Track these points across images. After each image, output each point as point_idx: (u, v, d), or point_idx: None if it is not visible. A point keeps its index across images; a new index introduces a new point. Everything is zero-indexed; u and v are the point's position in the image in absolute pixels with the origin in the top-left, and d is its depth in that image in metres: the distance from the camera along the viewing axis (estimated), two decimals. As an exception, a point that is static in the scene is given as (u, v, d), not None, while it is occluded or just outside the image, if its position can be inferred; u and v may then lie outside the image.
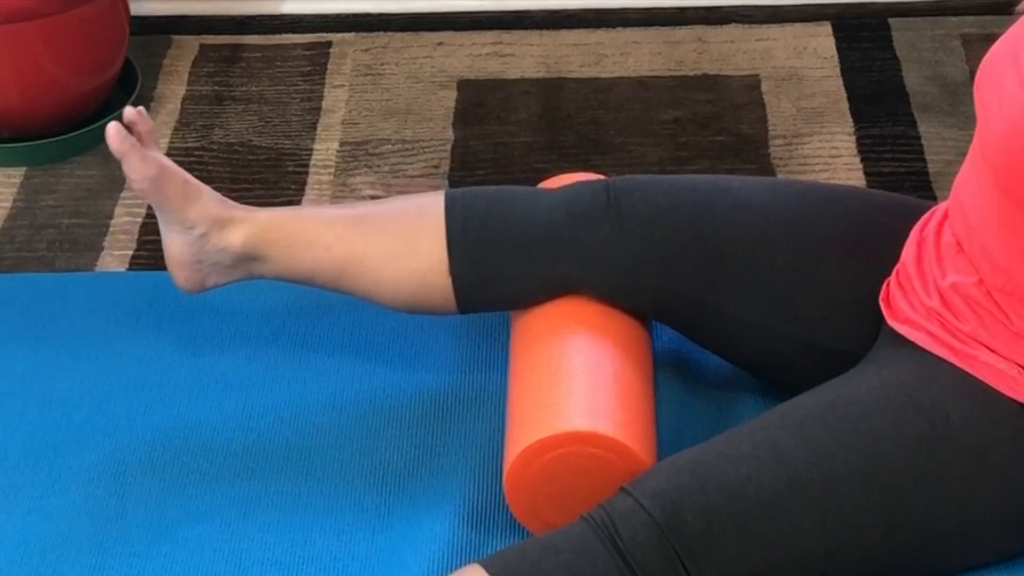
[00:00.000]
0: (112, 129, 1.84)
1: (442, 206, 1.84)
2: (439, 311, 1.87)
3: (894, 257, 1.74)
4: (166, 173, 1.86)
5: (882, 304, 1.72)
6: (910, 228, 1.74)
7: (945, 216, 1.70)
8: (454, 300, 1.84)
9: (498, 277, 1.83)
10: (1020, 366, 1.59)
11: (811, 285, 1.77)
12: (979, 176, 1.60)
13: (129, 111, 1.89)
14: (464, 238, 1.82)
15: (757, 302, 1.78)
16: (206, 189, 1.90)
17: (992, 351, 1.60)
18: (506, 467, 1.70)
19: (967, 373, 1.60)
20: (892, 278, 1.73)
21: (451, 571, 1.57)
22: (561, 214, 1.82)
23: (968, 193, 1.62)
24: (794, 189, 1.86)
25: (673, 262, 1.79)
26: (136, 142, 1.85)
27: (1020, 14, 1.63)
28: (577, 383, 1.74)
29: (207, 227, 1.87)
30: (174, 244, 1.90)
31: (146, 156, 1.85)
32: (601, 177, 1.96)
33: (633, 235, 1.80)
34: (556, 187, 1.88)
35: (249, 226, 1.87)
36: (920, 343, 1.65)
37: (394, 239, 1.84)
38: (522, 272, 1.82)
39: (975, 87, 1.60)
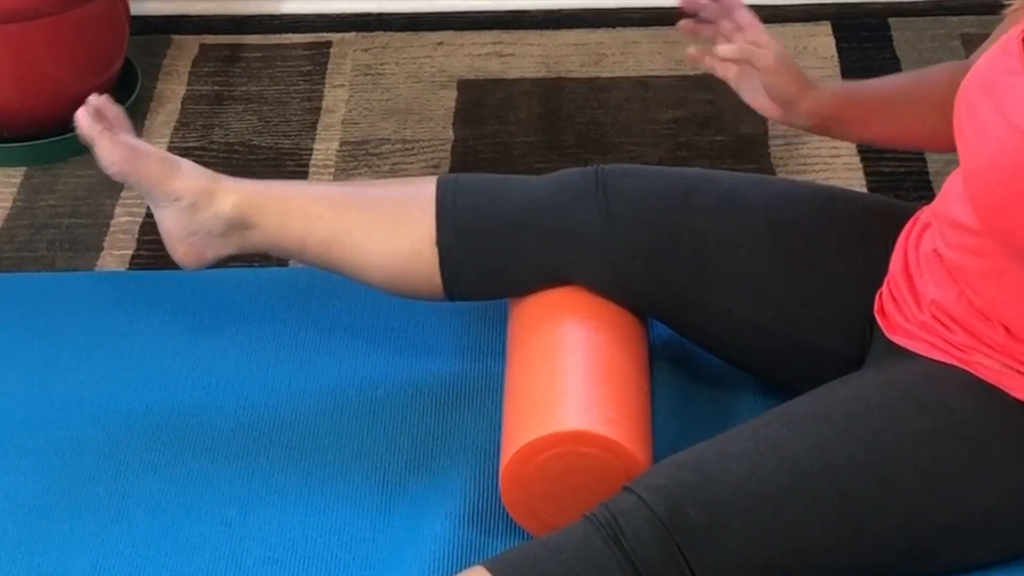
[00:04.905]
0: (80, 115, 1.90)
1: (435, 182, 1.87)
2: (424, 290, 1.87)
3: (881, 260, 1.75)
4: (138, 153, 1.90)
5: (877, 316, 1.72)
6: (898, 231, 1.75)
7: (926, 226, 1.70)
8: (439, 276, 1.85)
9: (484, 252, 1.84)
10: (1021, 366, 1.59)
11: (797, 282, 1.78)
12: (959, 198, 1.59)
13: (94, 98, 1.92)
14: (453, 210, 1.84)
15: (742, 294, 1.78)
16: (185, 162, 1.93)
17: (989, 356, 1.60)
18: (501, 470, 1.70)
19: (970, 372, 1.61)
20: (884, 289, 1.73)
21: (453, 571, 1.57)
22: (550, 194, 1.84)
23: (946, 211, 1.62)
24: (782, 187, 1.87)
25: (659, 246, 1.79)
26: (104, 128, 1.90)
27: (1012, 12, 1.61)
28: (571, 381, 1.73)
29: (194, 197, 1.89)
30: (166, 219, 1.92)
31: (116, 140, 1.90)
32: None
33: (620, 217, 1.80)
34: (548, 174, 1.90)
35: (239, 193, 1.90)
36: (922, 352, 1.65)
37: (385, 211, 1.87)
38: (509, 248, 1.83)
39: (955, 106, 1.57)
